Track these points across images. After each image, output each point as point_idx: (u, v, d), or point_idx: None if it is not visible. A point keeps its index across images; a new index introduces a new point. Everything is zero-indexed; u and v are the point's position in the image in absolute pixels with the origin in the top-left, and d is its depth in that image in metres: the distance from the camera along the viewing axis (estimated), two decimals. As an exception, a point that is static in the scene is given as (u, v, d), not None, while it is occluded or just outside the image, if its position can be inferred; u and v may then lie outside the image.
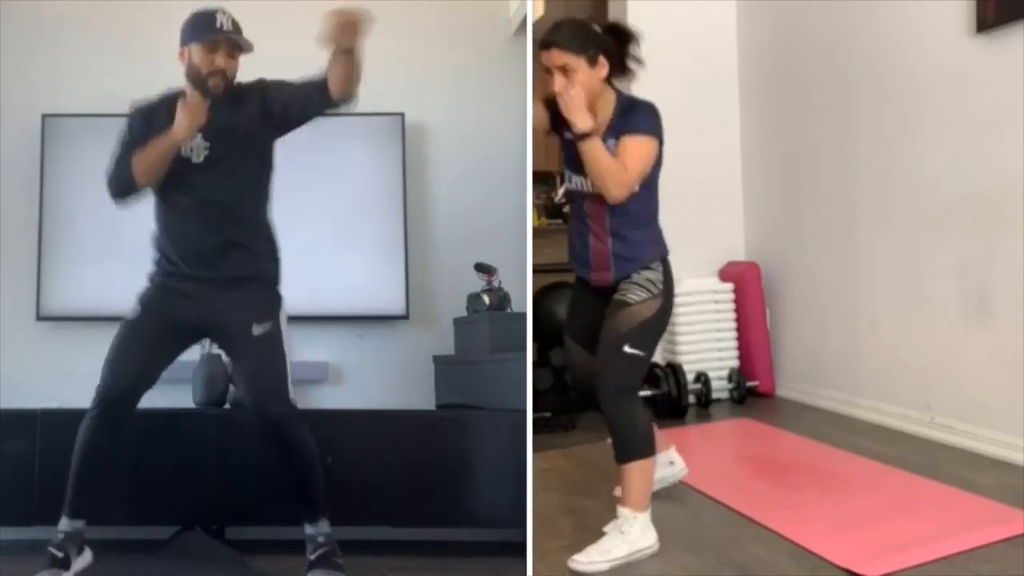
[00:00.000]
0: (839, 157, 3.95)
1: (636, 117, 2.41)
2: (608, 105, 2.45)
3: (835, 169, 3.98)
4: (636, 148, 2.37)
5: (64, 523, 2.47)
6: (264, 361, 2.48)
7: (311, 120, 2.53)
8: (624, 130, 2.38)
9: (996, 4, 3.05)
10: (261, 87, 2.52)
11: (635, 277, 2.45)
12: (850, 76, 3.85)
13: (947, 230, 3.34)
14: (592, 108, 2.40)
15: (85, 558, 2.52)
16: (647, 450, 2.39)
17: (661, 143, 2.43)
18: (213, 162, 2.48)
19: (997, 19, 3.05)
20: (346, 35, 2.27)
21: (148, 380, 2.48)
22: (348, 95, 2.42)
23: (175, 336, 2.52)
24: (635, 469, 2.38)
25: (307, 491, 2.48)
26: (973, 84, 3.20)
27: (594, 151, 2.34)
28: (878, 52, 3.67)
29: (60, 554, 2.43)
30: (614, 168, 2.34)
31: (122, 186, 2.49)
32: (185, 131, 2.42)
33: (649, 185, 2.46)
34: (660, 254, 2.50)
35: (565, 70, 2.38)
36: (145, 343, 2.46)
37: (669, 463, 2.90)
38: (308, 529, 2.47)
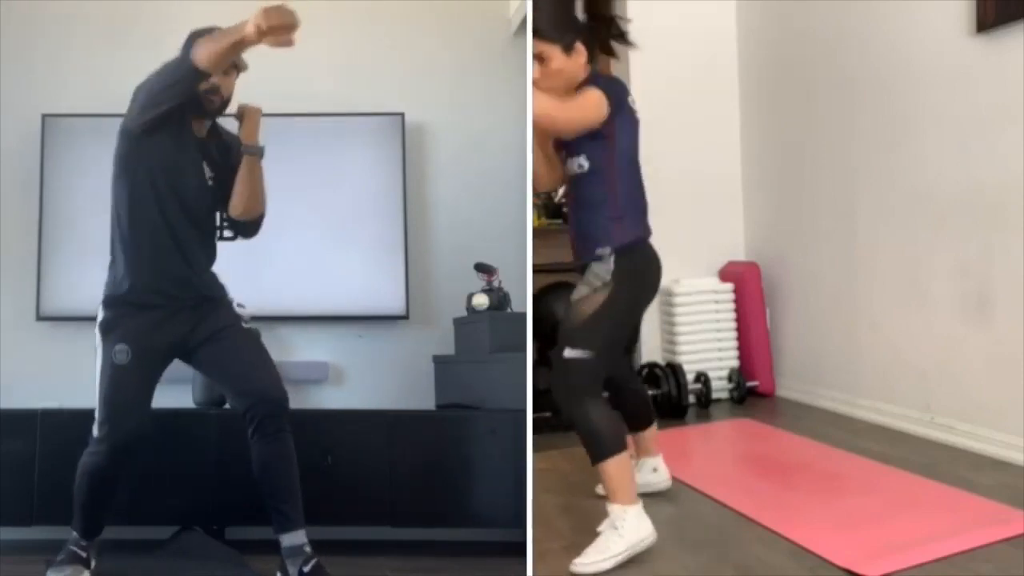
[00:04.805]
0: (839, 157, 3.95)
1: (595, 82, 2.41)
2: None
3: (835, 169, 3.98)
4: (582, 96, 2.36)
5: (75, 538, 2.47)
6: (258, 349, 2.49)
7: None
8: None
9: (996, 4, 3.05)
10: (235, 143, 2.58)
11: (586, 271, 2.43)
12: (850, 76, 3.85)
13: (947, 230, 3.34)
14: (571, 94, 2.38)
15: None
16: (614, 448, 2.33)
17: (617, 111, 2.37)
18: (214, 189, 2.53)
19: (997, 19, 3.05)
20: (282, 32, 2.20)
21: (148, 411, 2.46)
22: (240, 214, 2.53)
23: (162, 362, 2.48)
24: (609, 467, 2.33)
25: (291, 492, 2.39)
26: (973, 84, 3.20)
27: (535, 98, 2.30)
28: (878, 52, 3.67)
29: (83, 553, 2.44)
30: (548, 104, 2.32)
31: (185, 75, 2.32)
32: (256, 30, 2.19)
33: (599, 171, 2.41)
34: (615, 242, 2.40)
35: (540, 58, 2.36)
36: (143, 389, 2.43)
37: (653, 470, 2.87)
38: (289, 540, 2.36)
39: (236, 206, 2.51)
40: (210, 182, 2.52)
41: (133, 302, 2.42)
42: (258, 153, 2.51)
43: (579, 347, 2.34)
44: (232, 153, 2.56)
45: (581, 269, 2.48)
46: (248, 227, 2.59)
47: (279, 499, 2.38)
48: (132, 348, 2.38)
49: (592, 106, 2.35)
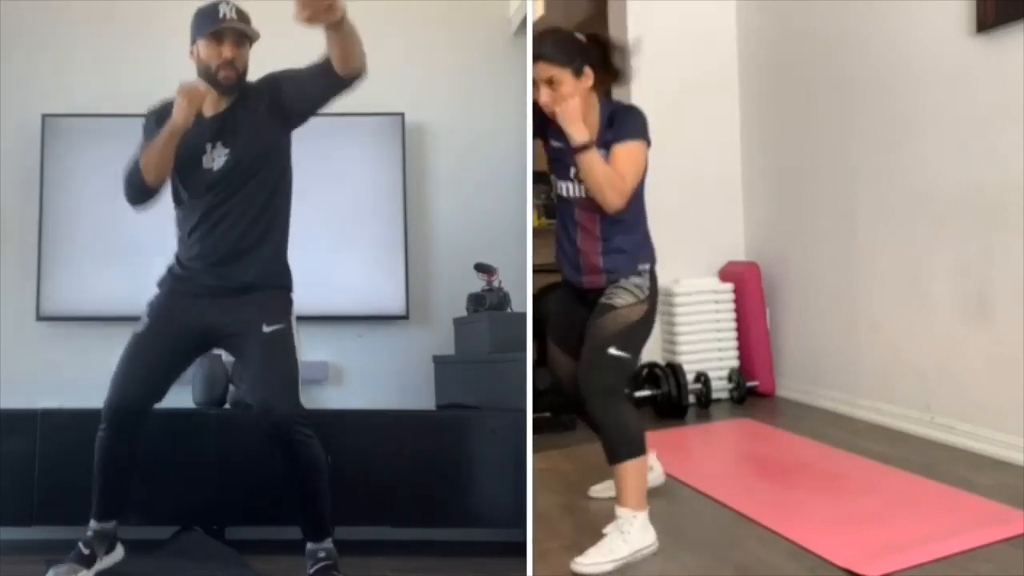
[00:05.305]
0: (839, 157, 3.95)
1: (624, 124, 2.42)
2: (594, 114, 2.45)
3: (835, 169, 3.98)
4: (629, 155, 2.39)
5: (93, 524, 2.48)
6: (273, 359, 2.42)
7: (326, 104, 2.47)
8: (614, 139, 2.40)
9: (996, 4, 3.05)
10: (269, 81, 2.48)
11: (623, 282, 2.48)
12: (850, 76, 3.85)
13: (947, 230, 3.34)
14: (583, 118, 2.40)
15: (115, 556, 2.54)
16: (637, 450, 2.39)
17: (648, 146, 2.45)
18: (232, 167, 2.44)
19: (997, 19, 3.05)
20: (316, 15, 2.12)
21: (155, 394, 2.46)
22: (354, 69, 2.35)
23: (183, 347, 2.49)
24: (628, 469, 2.37)
25: (312, 507, 2.42)
26: (973, 84, 3.20)
27: (591, 163, 2.36)
28: (878, 52, 3.67)
29: (86, 551, 2.44)
30: (611, 177, 2.37)
31: (134, 188, 2.45)
32: (183, 116, 2.35)
33: (635, 192, 2.47)
34: (648, 260, 2.54)
35: (551, 82, 2.38)
36: (151, 358, 2.44)
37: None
38: (310, 545, 2.42)
39: (336, 66, 2.34)
40: (222, 162, 2.42)
41: (168, 280, 2.53)
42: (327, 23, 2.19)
43: (623, 349, 2.42)
44: (263, 104, 2.44)
45: (604, 286, 2.51)
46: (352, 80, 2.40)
47: (298, 509, 2.44)
48: (149, 319, 2.47)
49: (640, 163, 2.43)
